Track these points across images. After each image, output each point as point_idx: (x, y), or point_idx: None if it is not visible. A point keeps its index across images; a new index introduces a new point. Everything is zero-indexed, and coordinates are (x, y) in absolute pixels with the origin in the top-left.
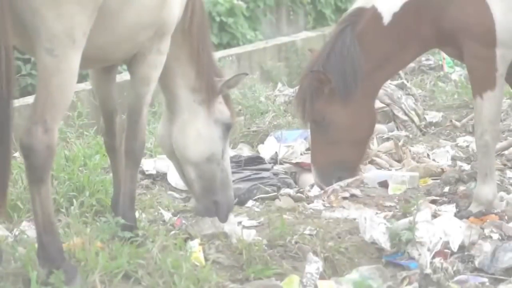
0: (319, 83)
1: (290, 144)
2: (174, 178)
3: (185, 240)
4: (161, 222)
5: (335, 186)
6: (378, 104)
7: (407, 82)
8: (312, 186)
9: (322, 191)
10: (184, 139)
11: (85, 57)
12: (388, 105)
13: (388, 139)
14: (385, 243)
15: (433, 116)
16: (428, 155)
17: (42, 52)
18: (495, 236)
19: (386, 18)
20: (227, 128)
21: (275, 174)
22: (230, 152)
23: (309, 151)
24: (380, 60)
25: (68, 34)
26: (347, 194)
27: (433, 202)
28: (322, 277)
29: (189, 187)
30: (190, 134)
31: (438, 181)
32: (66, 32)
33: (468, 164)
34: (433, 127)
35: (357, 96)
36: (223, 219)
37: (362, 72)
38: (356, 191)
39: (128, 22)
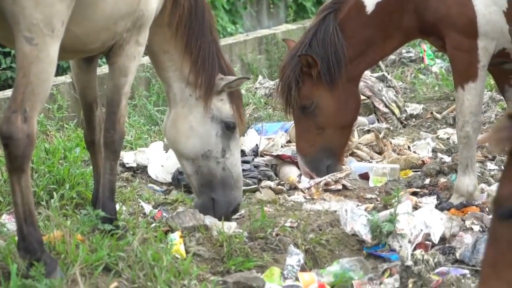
0: (307, 67)
1: (271, 136)
2: (155, 171)
3: (166, 232)
4: (141, 214)
5: (327, 178)
6: None
7: (388, 74)
8: (300, 176)
9: (312, 182)
10: (175, 132)
11: (64, 47)
12: (369, 97)
13: (369, 131)
14: (366, 235)
15: (414, 108)
16: (408, 147)
17: (22, 41)
18: (476, 227)
19: (369, 7)
20: (227, 126)
21: (256, 167)
22: None
23: (290, 144)
24: (363, 48)
25: (48, 23)
26: (339, 186)
27: (414, 194)
28: (303, 269)
29: (188, 180)
30: (182, 128)
31: (419, 173)
32: (45, 21)
33: (449, 156)
34: (413, 119)
35: (341, 80)
36: (220, 218)
37: (345, 59)
38: (348, 183)
39: (106, 12)
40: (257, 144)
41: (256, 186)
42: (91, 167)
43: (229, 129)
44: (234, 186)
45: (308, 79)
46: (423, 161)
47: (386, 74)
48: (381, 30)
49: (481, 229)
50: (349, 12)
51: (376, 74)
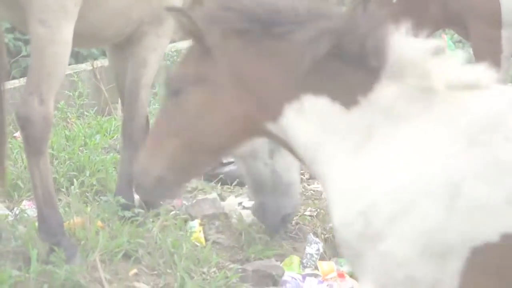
0: None
1: None
2: None
3: (186, 220)
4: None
5: None
6: None
7: None
8: None
9: None
10: None
11: (78, 34)
12: None
13: None
14: None
15: None
16: None
17: (36, 23)
18: None
19: None
20: None
21: None
22: None
23: None
24: None
25: (61, 5)
26: None
27: None
28: (322, 258)
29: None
30: None
31: None
32: (59, 3)
33: None
34: None
35: None
36: (272, 228)
37: None
38: None
39: None
40: None
41: None
42: (111, 154)
43: None
44: (284, 192)
45: None
46: None
47: None
48: (409, 19)
49: None
50: (376, 3)
51: None
